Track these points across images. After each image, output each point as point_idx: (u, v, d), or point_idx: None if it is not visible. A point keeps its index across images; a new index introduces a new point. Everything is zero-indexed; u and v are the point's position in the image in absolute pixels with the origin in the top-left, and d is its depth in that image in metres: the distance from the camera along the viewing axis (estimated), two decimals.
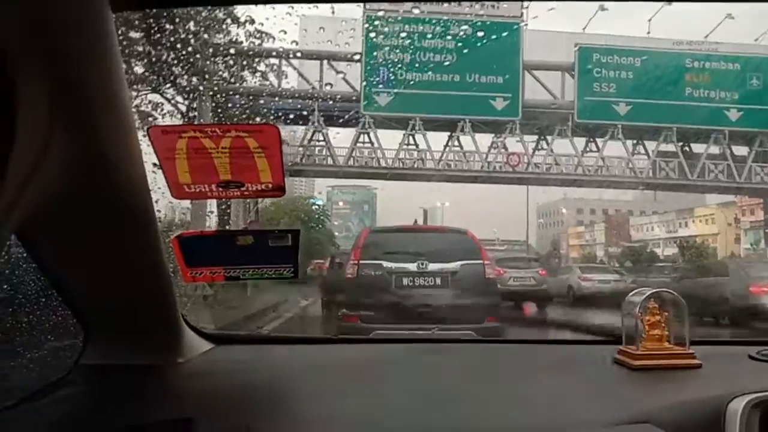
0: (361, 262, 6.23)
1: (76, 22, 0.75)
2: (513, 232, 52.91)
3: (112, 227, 1.08)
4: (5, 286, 1.32)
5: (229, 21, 16.54)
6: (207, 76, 14.43)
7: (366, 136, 22.75)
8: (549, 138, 23.45)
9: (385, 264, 6.14)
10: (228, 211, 14.78)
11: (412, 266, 6.13)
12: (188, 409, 1.21)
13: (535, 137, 23.70)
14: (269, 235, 1.31)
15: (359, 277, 6.14)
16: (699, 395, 1.24)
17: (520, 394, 1.38)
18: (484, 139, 23.46)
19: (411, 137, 22.93)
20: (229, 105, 15.09)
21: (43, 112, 0.75)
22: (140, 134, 1.05)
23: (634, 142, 23.96)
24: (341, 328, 5.96)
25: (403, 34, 21.06)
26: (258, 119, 13.90)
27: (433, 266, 6.11)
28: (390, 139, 23.39)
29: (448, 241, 6.84)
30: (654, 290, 1.64)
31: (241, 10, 15.24)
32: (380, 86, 21.44)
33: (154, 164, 1.09)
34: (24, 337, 1.44)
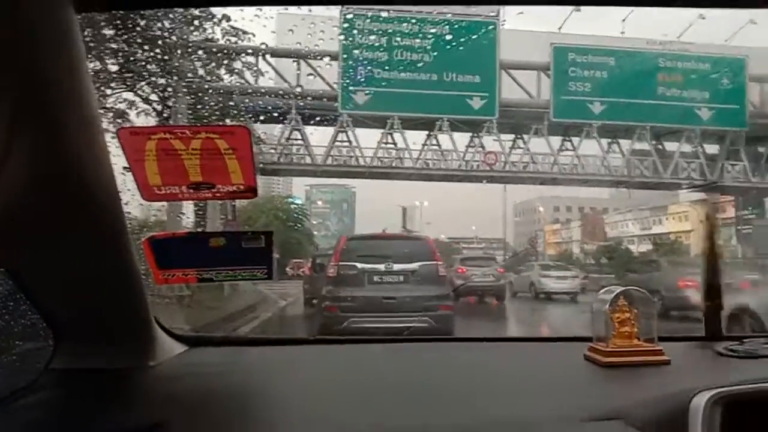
0: (340, 263, 7.61)
1: (37, 23, 0.74)
2: (491, 230, 53.71)
3: (81, 229, 1.07)
4: None
5: (203, 18, 16.35)
6: (180, 74, 14.25)
7: (344, 134, 22.73)
8: (525, 137, 23.73)
9: (359, 265, 7.52)
10: (202, 211, 14.67)
11: (380, 266, 7.51)
12: (160, 413, 1.18)
13: (512, 136, 23.93)
14: (242, 237, 1.30)
15: (338, 276, 7.52)
16: (667, 391, 1.25)
17: (490, 391, 1.40)
18: (462, 138, 23.68)
19: (389, 136, 22.99)
20: (204, 103, 14.95)
21: (5, 113, 0.75)
22: (109, 136, 1.04)
23: (609, 140, 24.30)
24: (324, 318, 7.29)
25: (380, 33, 21.15)
26: (233, 118, 13.81)
27: (397, 266, 7.52)
28: (368, 138, 23.51)
29: (409, 245, 8.26)
30: (623, 288, 1.66)
31: (216, 9, 15.08)
32: (358, 85, 21.46)
33: (125, 167, 1.08)
34: None
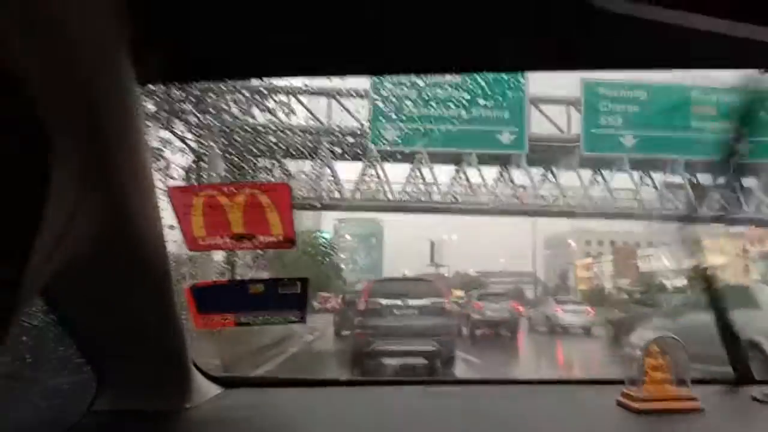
0: (369, 300, 9.93)
1: (104, 98, 0.80)
2: (520, 263, 53.23)
3: (129, 282, 1.11)
4: (23, 336, 1.33)
5: None
6: (215, 113, 14.60)
7: (372, 169, 22.94)
8: (555, 170, 23.66)
9: (383, 301, 9.72)
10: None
11: (399, 302, 9.68)
12: None
13: (542, 169, 23.85)
14: (279, 284, 1.37)
15: (367, 310, 9.74)
16: None
17: None
18: (491, 172, 23.73)
19: (418, 170, 23.13)
20: (238, 140, 15.28)
21: (73, 183, 0.78)
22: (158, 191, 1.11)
23: (641, 174, 24.05)
24: (355, 343, 9.57)
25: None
26: (264, 156, 14.09)
27: (412, 302, 9.68)
28: (396, 173, 23.67)
29: (421, 286, 10.58)
30: (656, 335, 1.68)
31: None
32: (387, 121, 21.75)
33: (170, 225, 1.16)
34: (40, 384, 1.47)
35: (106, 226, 0.92)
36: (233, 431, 1.42)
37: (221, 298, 1.38)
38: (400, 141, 21.33)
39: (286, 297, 1.37)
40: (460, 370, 9.66)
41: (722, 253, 42.04)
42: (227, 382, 1.76)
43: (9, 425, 1.30)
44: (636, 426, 1.50)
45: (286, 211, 1.15)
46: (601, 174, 23.91)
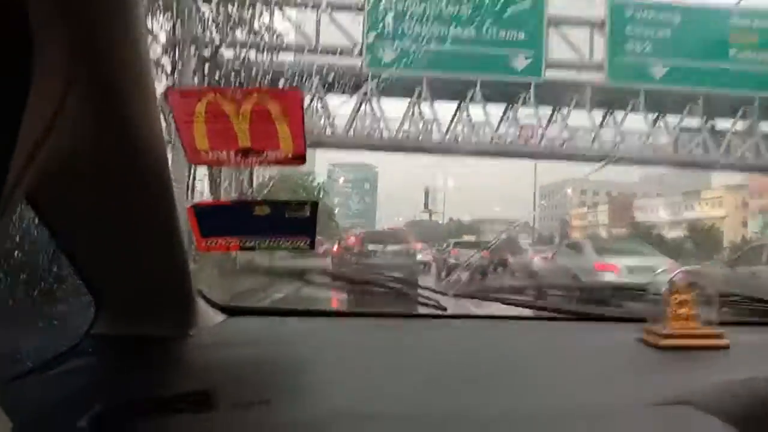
0: (361, 246, 15.50)
1: None
2: (515, 212, 53.69)
3: (127, 192, 1.08)
4: (16, 252, 1.32)
5: None
6: (189, 24, 14.12)
7: (368, 105, 22.53)
8: (564, 111, 23.29)
9: (370, 246, 15.17)
10: (216, 181, 14.73)
11: (381, 247, 15.02)
12: (200, 383, 1.23)
13: (550, 109, 23.44)
14: (286, 207, 1.34)
15: (359, 253, 14.94)
16: (731, 376, 1.25)
17: (541, 374, 1.40)
18: (496, 112, 23.35)
19: (417, 107, 22.70)
20: (217, 64, 14.90)
21: (60, 68, 0.74)
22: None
23: (654, 116, 23.74)
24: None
25: None
26: (247, 83, 13.78)
27: (389, 248, 14.88)
28: (393, 110, 23.23)
29: (397, 235, 16.33)
30: (682, 269, 1.64)
31: None
32: (385, 40, 20.42)
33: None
34: (35, 305, 1.47)
35: (97, 119, 0.88)
36: (239, 359, 1.43)
37: (225, 219, 1.35)
38: (399, 63, 20.13)
39: (294, 221, 1.34)
40: None
41: (722, 205, 42.59)
42: (230, 310, 1.79)
43: (2, 348, 1.32)
44: (659, 362, 1.49)
45: (298, 122, 1.10)
46: (613, 114, 23.64)
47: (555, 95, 22.76)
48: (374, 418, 1.14)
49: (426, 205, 40.27)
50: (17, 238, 1.27)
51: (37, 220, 1.15)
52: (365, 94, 21.99)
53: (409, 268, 13.46)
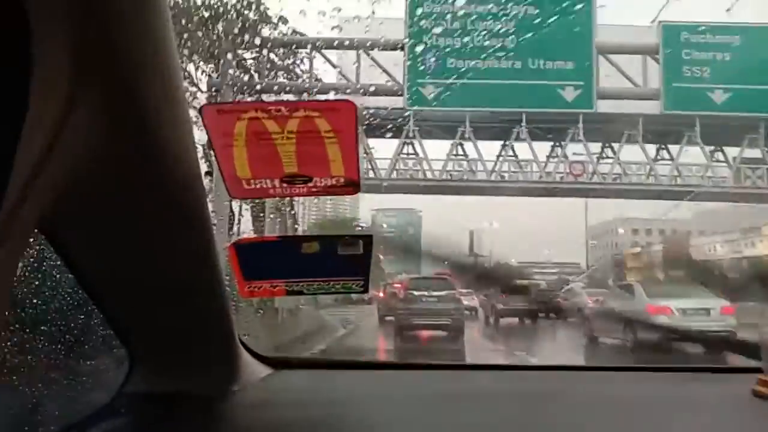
0: (406, 291, 15.46)
1: None
2: (565, 253, 53.31)
3: (157, 223, 0.96)
4: (40, 302, 1.26)
5: (260, 21, 16.02)
6: (232, 71, 13.99)
7: (410, 146, 21.75)
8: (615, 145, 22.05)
9: (415, 292, 15.02)
10: (262, 227, 14.24)
11: (426, 293, 14.75)
12: None
13: (599, 144, 22.30)
14: (339, 243, 1.23)
15: (405, 298, 15.17)
16: None
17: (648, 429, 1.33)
18: (543, 149, 22.27)
19: (460, 147, 21.86)
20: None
21: (65, 68, 0.64)
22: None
23: (712, 149, 22.25)
24: (396, 322, 14.76)
25: (453, 15, 19.42)
26: None
27: (434, 293, 14.62)
28: (436, 151, 22.43)
29: (441, 282, 14.92)
30: None
31: (274, 9, 14.71)
32: (427, 77, 19.50)
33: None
34: (64, 361, 1.40)
35: (112, 137, 0.76)
36: (287, 420, 1.35)
37: (270, 259, 1.25)
38: (441, 100, 19.30)
39: (346, 260, 1.23)
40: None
41: None
42: (275, 363, 1.72)
43: (29, 408, 1.27)
44: None
45: (351, 141, 0.96)
46: (667, 149, 22.38)
47: (605, 129, 21.66)
48: None
49: (471, 248, 40.16)
50: (36, 282, 1.21)
51: (59, 261, 1.06)
52: (407, 135, 21.23)
53: (455, 315, 14.21)
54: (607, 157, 22.31)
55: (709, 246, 49.29)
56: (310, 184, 1.01)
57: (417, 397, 1.57)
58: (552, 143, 22.21)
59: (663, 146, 22.36)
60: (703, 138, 21.47)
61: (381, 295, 19.37)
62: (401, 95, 20.04)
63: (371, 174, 21.68)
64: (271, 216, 14.61)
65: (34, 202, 0.67)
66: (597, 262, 53.60)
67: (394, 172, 21.89)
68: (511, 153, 22.14)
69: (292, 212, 15.91)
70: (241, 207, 14.36)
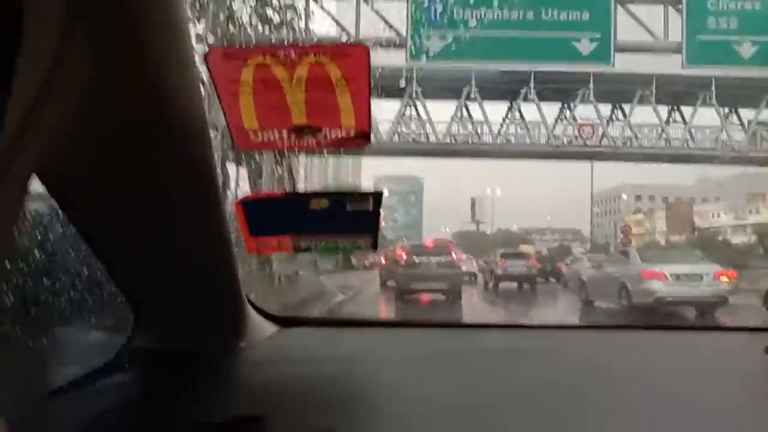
0: (407, 257, 15.74)
1: None
2: (566, 220, 53.29)
3: (165, 180, 0.95)
4: (42, 253, 1.24)
5: None
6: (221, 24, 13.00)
7: (413, 109, 20.64)
8: (626, 108, 21.10)
9: (416, 258, 15.46)
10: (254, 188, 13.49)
11: (425, 258, 15.39)
12: (255, 405, 1.11)
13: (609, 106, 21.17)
14: (348, 199, 1.19)
15: (406, 264, 15.39)
16: None
17: (654, 391, 1.24)
18: (550, 111, 21.19)
19: (464, 109, 20.80)
20: None
21: (54, 17, 0.62)
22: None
23: (726, 110, 21.18)
24: (397, 286, 15.11)
25: None
26: None
27: (433, 258, 15.36)
28: (440, 114, 21.38)
29: (439, 248, 16.66)
30: None
31: None
32: (431, 28, 18.05)
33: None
34: (67, 316, 1.38)
35: (108, 85, 0.74)
36: (295, 376, 1.33)
37: (277, 215, 1.20)
38: (446, 53, 17.82)
39: (355, 216, 1.18)
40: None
41: None
42: (282, 321, 1.71)
43: (33, 361, 1.28)
44: None
45: (363, 90, 0.92)
46: (680, 111, 21.28)
47: (616, 90, 20.46)
48: None
49: (473, 215, 39.75)
50: (38, 235, 1.21)
51: (63, 215, 1.03)
52: (410, 96, 20.03)
53: (453, 279, 14.69)
54: (617, 120, 21.41)
55: (712, 212, 48.83)
56: (320, 136, 0.96)
57: (420, 353, 1.58)
58: (561, 105, 21.21)
59: (676, 108, 21.23)
60: (718, 100, 20.38)
61: (383, 261, 19.80)
62: (403, 47, 18.63)
63: (372, 138, 20.66)
64: (270, 186, 13.79)
65: (32, 143, 0.64)
66: (599, 229, 53.28)
67: (396, 135, 20.93)
68: (518, 115, 21.20)
69: (292, 181, 15.05)
70: (238, 174, 13.95)
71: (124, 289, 1.20)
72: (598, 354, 1.60)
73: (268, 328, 1.59)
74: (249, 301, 1.45)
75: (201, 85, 0.86)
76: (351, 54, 0.88)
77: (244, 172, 14.63)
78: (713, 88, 19.92)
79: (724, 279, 12.25)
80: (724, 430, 1.05)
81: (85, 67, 0.68)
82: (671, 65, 19.66)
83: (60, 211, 0.99)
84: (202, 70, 0.86)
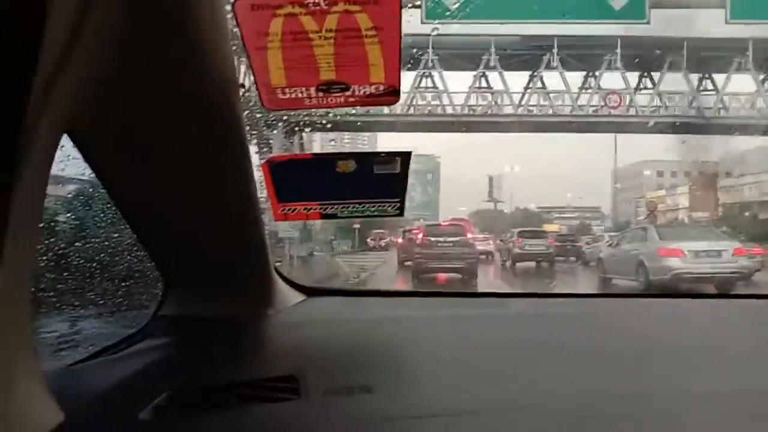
0: (424, 237, 15.82)
1: None
2: (587, 198, 52.19)
3: (193, 142, 0.96)
4: (74, 217, 1.27)
5: None
6: None
7: (429, 79, 19.50)
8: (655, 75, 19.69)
9: (432, 238, 15.56)
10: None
11: (441, 239, 15.44)
12: (284, 367, 1.11)
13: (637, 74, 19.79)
14: (375, 160, 1.18)
15: (422, 243, 15.51)
16: None
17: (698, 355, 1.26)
18: (574, 81, 19.93)
19: (483, 78, 19.64)
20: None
21: None
22: None
23: (762, 77, 19.70)
24: (414, 266, 15.39)
25: None
26: None
27: (449, 238, 15.44)
28: (457, 85, 20.31)
29: (455, 227, 16.65)
30: None
31: None
32: None
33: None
34: (99, 284, 1.38)
35: (144, 30, 0.74)
36: (322, 340, 1.36)
37: (303, 178, 1.19)
38: (465, 12, 16.16)
39: (382, 179, 1.18)
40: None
41: None
42: (309, 290, 1.72)
43: (61, 332, 1.27)
44: None
45: (394, 42, 0.88)
46: (711, 78, 19.90)
47: (645, 57, 19.08)
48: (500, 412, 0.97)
49: (490, 193, 38.71)
50: (69, 196, 1.23)
51: (92, 175, 1.02)
52: (426, 65, 18.99)
53: (468, 259, 14.78)
54: (646, 88, 20.10)
55: (738, 187, 47.52)
56: (348, 93, 0.94)
57: (445, 318, 1.62)
58: (585, 73, 19.94)
59: (707, 75, 19.77)
60: (755, 64, 18.96)
61: (400, 241, 20.13)
62: (419, 7, 16.83)
63: (386, 110, 19.55)
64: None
65: (62, 100, 0.64)
66: (621, 206, 52.21)
67: (411, 108, 19.86)
68: (539, 84, 19.99)
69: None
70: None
71: (154, 256, 1.22)
72: (622, 319, 1.62)
73: (295, 296, 1.62)
74: (276, 270, 1.48)
75: (231, 42, 0.85)
76: (380, 3, 0.83)
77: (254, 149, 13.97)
78: (750, 51, 18.47)
79: (745, 255, 12.23)
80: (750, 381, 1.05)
81: (113, 22, 0.67)
82: (712, 23, 17.83)
83: (90, 172, 0.98)
84: (233, 24, 0.83)
